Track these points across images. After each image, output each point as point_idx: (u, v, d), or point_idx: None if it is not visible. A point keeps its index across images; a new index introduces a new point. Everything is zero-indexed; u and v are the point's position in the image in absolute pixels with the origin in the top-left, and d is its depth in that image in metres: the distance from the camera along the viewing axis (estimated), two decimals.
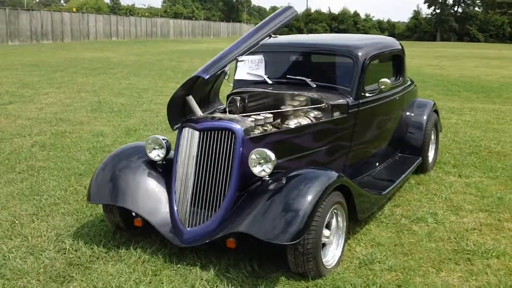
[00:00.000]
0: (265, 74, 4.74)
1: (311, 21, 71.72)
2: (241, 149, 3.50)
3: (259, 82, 4.72)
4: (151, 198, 3.75)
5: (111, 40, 41.44)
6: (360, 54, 4.47)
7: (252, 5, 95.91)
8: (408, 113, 5.61)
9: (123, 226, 3.97)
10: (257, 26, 4.13)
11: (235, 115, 3.77)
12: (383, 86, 4.45)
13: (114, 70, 17.42)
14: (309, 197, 3.19)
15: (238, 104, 4.43)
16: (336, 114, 4.28)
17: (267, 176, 3.47)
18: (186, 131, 3.67)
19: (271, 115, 4.02)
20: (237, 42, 3.94)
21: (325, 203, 3.31)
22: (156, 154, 3.90)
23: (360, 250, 3.83)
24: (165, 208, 3.69)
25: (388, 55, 5.17)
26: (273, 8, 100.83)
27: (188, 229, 3.50)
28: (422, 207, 4.72)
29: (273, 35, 4.10)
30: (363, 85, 4.46)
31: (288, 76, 4.70)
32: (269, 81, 4.70)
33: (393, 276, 3.44)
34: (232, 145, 3.51)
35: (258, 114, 4.00)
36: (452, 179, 5.63)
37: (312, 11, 75.74)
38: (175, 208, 3.63)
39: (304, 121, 4.19)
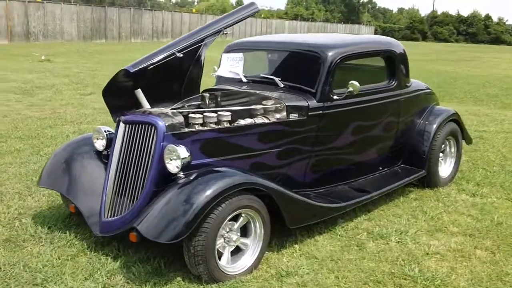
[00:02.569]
0: (243, 73, 4.65)
1: (436, 23, 67.91)
2: (162, 144, 3.47)
3: (237, 80, 4.64)
4: (88, 186, 3.88)
5: (225, 40, 42.68)
6: (327, 53, 4.18)
7: (377, 7, 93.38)
8: (413, 121, 5.13)
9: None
10: (211, 21, 4.07)
11: (168, 110, 3.73)
12: (351, 89, 4.13)
13: None
14: (200, 198, 3.08)
15: (207, 101, 4.39)
16: (293, 116, 4.05)
17: (182, 173, 3.40)
18: (120, 123, 3.74)
19: (214, 114, 3.91)
20: (181, 37, 3.91)
21: (223, 205, 3.17)
22: (100, 145, 4.02)
23: (286, 261, 3.60)
24: (99, 197, 3.78)
25: (375, 57, 4.77)
26: (400, 10, 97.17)
27: (106, 219, 3.56)
28: (396, 224, 4.30)
29: (224, 31, 4.00)
30: (331, 87, 4.17)
31: (261, 75, 4.55)
32: (244, 80, 4.60)
33: None
34: (154, 139, 3.50)
35: (204, 112, 3.93)
36: (461, 197, 5.04)
37: (439, 13, 71.74)
38: (104, 198, 3.71)
39: (260, 121, 4.03)
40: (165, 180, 3.49)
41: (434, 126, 5.13)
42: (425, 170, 5.05)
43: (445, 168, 5.48)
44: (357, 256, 3.70)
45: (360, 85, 4.43)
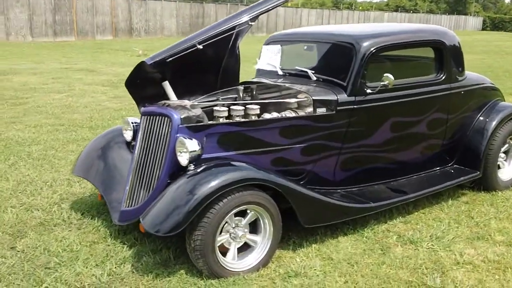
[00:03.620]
0: (280, 65, 4.55)
1: None
2: (176, 135, 3.48)
3: (274, 72, 4.55)
4: (114, 176, 4.01)
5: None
6: (361, 44, 3.92)
7: None
8: (470, 117, 4.69)
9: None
10: (237, 12, 4.00)
11: (189, 103, 3.72)
12: (386, 82, 3.86)
13: None
14: (198, 193, 3.04)
15: (241, 94, 4.36)
16: (321, 111, 3.87)
17: (192, 166, 3.39)
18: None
19: (241, 108, 3.85)
20: (204, 29, 3.88)
21: (225, 200, 3.11)
22: (129, 136, 4.13)
23: (299, 261, 3.46)
24: (123, 187, 3.88)
25: (423, 48, 4.39)
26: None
27: (125, 209, 3.64)
28: (433, 229, 3.96)
29: (250, 23, 3.91)
30: (364, 80, 3.92)
31: (296, 67, 4.41)
32: (280, 72, 4.50)
33: None
34: (169, 131, 3.52)
35: (233, 104, 3.89)
36: None
37: None
38: (126, 187, 3.80)
39: (283, 115, 3.91)
40: (179, 172, 3.50)
41: (494, 123, 4.65)
42: (480, 171, 4.61)
43: (507, 170, 4.96)
44: (377, 261, 3.46)
45: (402, 78, 4.17)
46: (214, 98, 4.28)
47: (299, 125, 3.82)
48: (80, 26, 28.52)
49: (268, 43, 4.76)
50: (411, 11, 57.15)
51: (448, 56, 4.35)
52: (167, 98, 3.96)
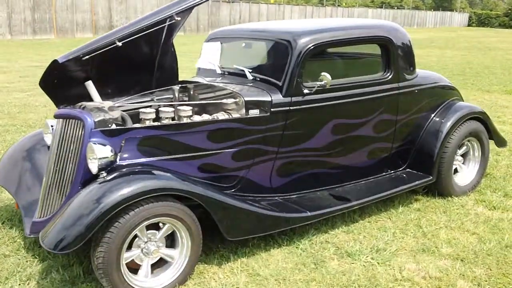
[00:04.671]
0: (219, 64, 4.25)
1: None
2: (88, 140, 3.17)
3: (214, 71, 4.25)
4: (32, 183, 3.69)
5: None
6: (297, 41, 3.63)
7: None
8: (423, 118, 4.42)
9: None
10: (162, 7, 3.67)
11: (108, 104, 3.40)
12: (324, 81, 3.58)
13: None
14: (98, 206, 2.73)
15: (176, 94, 4.07)
16: (253, 112, 3.58)
17: (104, 174, 3.07)
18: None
19: (171, 109, 3.56)
20: (125, 25, 3.56)
21: (131, 213, 2.80)
22: (49, 139, 3.80)
23: (222, 277, 3.16)
24: (39, 195, 3.57)
25: (362, 44, 4.10)
26: None
27: (36, 219, 3.32)
28: (376, 240, 3.68)
29: (176, 18, 3.59)
30: (301, 79, 3.63)
31: (234, 66, 4.10)
32: (219, 71, 4.20)
33: None
34: (82, 135, 3.20)
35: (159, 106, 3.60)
36: (476, 210, 4.26)
37: None
38: (39, 197, 3.48)
39: (221, 117, 3.61)
40: (92, 179, 3.19)
41: (448, 124, 4.37)
42: (433, 175, 4.34)
43: (465, 175, 4.70)
44: (308, 277, 3.17)
45: (345, 77, 3.90)
46: (149, 99, 3.99)
47: (229, 128, 3.52)
48: (60, 24, 28.01)
49: (208, 40, 4.46)
50: (396, 8, 57.04)
51: (395, 54, 4.06)
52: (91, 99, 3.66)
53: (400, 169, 4.44)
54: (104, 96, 3.73)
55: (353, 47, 4.16)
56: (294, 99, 3.63)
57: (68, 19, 28.36)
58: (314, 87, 3.62)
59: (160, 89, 4.06)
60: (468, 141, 4.65)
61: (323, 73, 3.57)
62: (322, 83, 3.58)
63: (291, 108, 3.63)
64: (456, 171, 4.66)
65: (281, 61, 3.68)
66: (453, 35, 36.37)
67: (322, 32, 3.79)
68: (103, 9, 29.79)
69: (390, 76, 4.06)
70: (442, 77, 4.76)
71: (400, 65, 4.11)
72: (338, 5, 49.15)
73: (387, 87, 4.05)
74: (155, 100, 4.00)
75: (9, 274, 3.15)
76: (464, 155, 4.72)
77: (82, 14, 28.94)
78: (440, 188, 4.47)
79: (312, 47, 3.64)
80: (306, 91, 3.65)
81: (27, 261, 3.32)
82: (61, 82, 3.55)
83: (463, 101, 4.82)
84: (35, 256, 3.37)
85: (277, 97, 3.60)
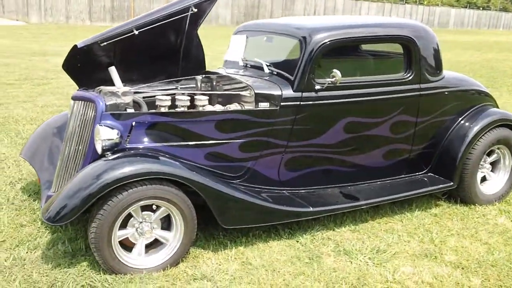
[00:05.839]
0: (244, 56, 4.34)
1: None
2: (99, 122, 3.37)
3: (236, 63, 4.36)
4: (53, 161, 3.97)
5: None
6: (311, 36, 3.64)
7: None
8: (449, 122, 4.27)
9: None
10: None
11: (122, 90, 3.58)
12: (334, 78, 3.58)
13: None
14: (93, 184, 2.92)
15: (199, 84, 4.22)
16: (263, 105, 3.64)
17: (109, 155, 3.26)
18: None
19: (187, 98, 3.69)
20: (144, 14, 3.72)
21: (124, 193, 2.96)
22: None
23: (215, 263, 3.26)
24: None
25: (382, 43, 4.00)
26: None
27: (50, 193, 3.58)
28: (379, 241, 3.63)
29: (193, 9, 3.71)
30: (314, 75, 3.64)
31: (255, 59, 4.17)
32: (241, 63, 4.30)
33: None
34: (93, 117, 3.42)
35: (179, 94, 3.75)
36: (496, 221, 4.07)
37: None
38: (55, 172, 3.75)
39: (234, 108, 3.72)
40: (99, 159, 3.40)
41: (476, 129, 4.20)
42: (454, 181, 4.19)
43: (493, 183, 4.49)
44: (297, 271, 3.20)
45: (363, 76, 3.87)
46: (173, 86, 4.16)
47: (237, 119, 3.60)
48: (138, 12, 29.21)
49: (236, 33, 4.57)
50: (482, 8, 54.25)
51: (417, 55, 3.95)
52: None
53: (422, 172, 4.33)
54: (129, 82, 3.93)
55: (377, 45, 4.10)
56: (305, 94, 3.65)
57: (145, 8, 29.50)
58: (324, 83, 3.63)
59: (185, 78, 4.22)
60: (498, 149, 4.44)
61: (334, 70, 3.56)
62: (332, 79, 3.57)
63: (301, 103, 3.65)
64: (484, 179, 4.48)
65: (295, 56, 3.71)
66: None
67: (338, 29, 3.77)
68: None
69: (410, 77, 3.96)
70: (475, 81, 4.57)
71: (423, 66, 3.99)
72: (420, 3, 47.42)
73: (407, 87, 3.96)
74: (179, 88, 4.16)
75: (20, 242, 3.42)
76: (494, 164, 4.52)
77: (158, 3, 30.00)
78: (462, 194, 4.31)
79: (326, 44, 3.64)
80: (318, 87, 3.65)
81: (39, 232, 3.58)
82: (84, 66, 3.78)
83: (497, 107, 4.60)
84: (47, 228, 3.62)
85: (288, 92, 3.63)
